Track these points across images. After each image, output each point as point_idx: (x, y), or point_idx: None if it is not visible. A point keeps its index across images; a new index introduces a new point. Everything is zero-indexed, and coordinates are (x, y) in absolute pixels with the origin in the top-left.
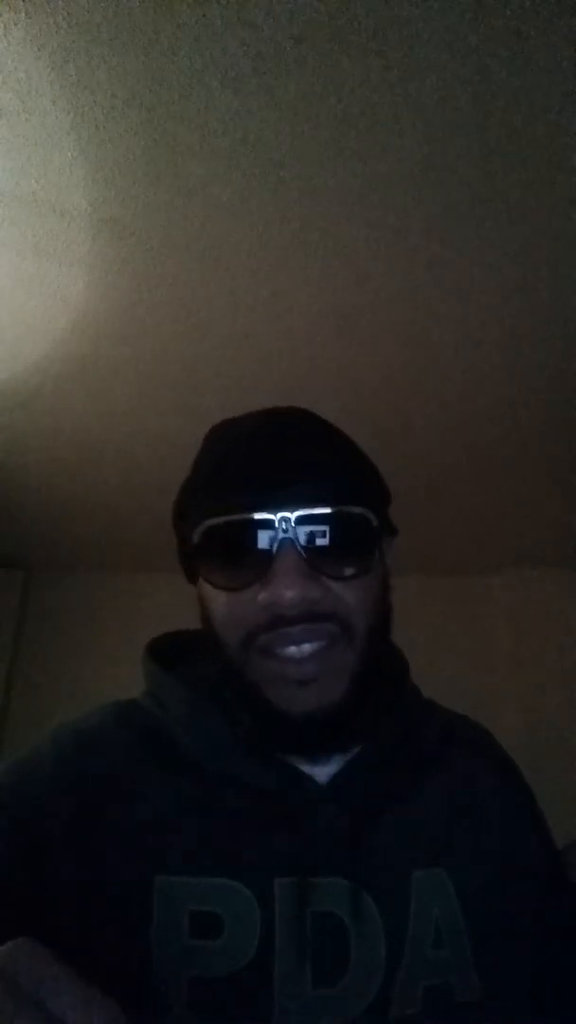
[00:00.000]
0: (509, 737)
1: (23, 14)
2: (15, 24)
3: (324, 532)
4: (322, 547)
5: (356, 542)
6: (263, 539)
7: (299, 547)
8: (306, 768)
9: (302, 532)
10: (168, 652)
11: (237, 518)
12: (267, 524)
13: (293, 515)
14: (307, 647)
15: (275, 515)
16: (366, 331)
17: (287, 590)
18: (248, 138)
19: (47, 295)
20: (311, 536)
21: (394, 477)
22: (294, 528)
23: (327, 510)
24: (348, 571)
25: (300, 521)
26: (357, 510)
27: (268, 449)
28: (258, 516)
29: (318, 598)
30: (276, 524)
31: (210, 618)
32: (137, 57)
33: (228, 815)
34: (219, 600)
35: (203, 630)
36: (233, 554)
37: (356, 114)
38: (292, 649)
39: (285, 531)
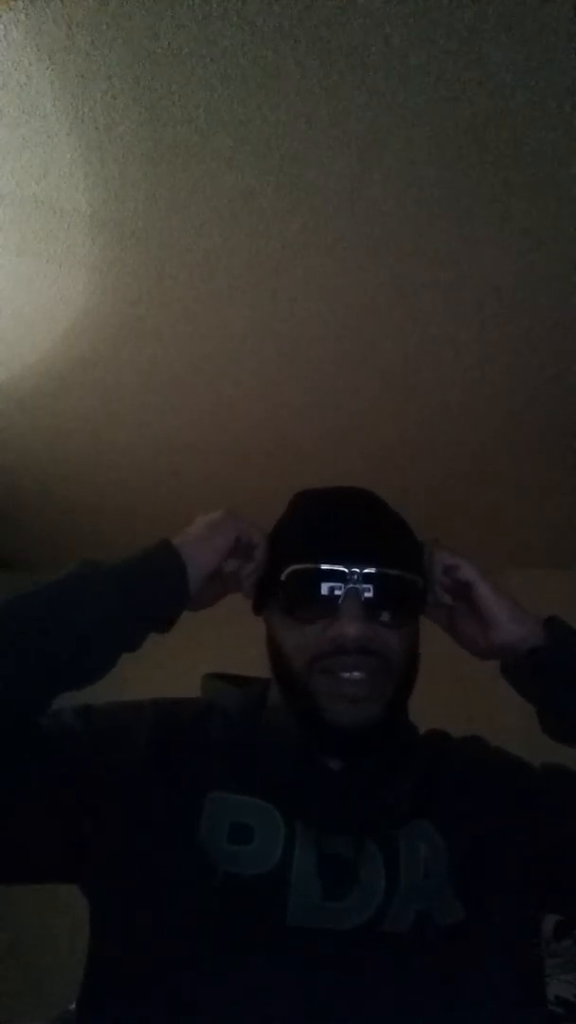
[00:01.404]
0: (509, 737)
1: (23, 14)
2: (15, 24)
3: (382, 588)
4: (378, 599)
5: (403, 599)
6: (336, 586)
7: (362, 596)
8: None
9: (366, 585)
10: (221, 678)
11: (320, 567)
12: (341, 575)
13: (362, 571)
14: (358, 673)
15: (348, 568)
16: (366, 331)
17: (350, 627)
18: (248, 138)
19: (47, 295)
20: (372, 589)
21: (394, 478)
22: (360, 580)
23: (386, 571)
24: (394, 621)
25: (365, 577)
26: (408, 575)
27: (347, 518)
28: (335, 567)
29: (372, 637)
30: (348, 576)
31: (280, 642)
32: (137, 57)
33: (270, 762)
34: (293, 628)
35: (270, 663)
36: (311, 593)
37: (356, 115)
38: (346, 673)
39: (354, 582)
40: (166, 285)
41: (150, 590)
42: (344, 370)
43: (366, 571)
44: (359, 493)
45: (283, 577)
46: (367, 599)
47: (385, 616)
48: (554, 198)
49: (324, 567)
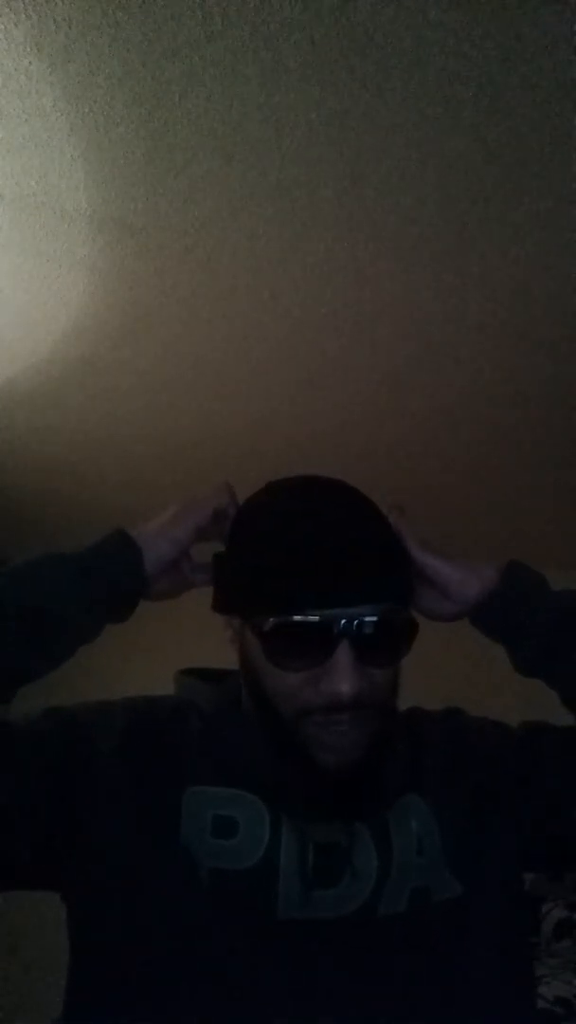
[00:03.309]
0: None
1: (23, 15)
2: (15, 25)
3: (376, 631)
4: (373, 643)
5: (400, 637)
6: (326, 635)
7: (355, 644)
8: None
9: (359, 631)
10: (194, 674)
11: (308, 620)
12: (332, 624)
13: (355, 620)
14: (350, 728)
15: (340, 618)
16: (366, 331)
17: (344, 684)
18: (248, 139)
19: (47, 296)
20: (365, 634)
21: (394, 479)
22: (358, 629)
23: (386, 616)
24: (388, 661)
25: (360, 624)
26: (405, 612)
27: (332, 549)
28: (325, 617)
29: (366, 690)
30: (342, 625)
31: (260, 679)
32: (137, 57)
33: (250, 756)
34: (275, 673)
35: (242, 674)
36: (297, 643)
37: (356, 115)
38: (339, 728)
39: (346, 631)
40: (166, 285)
41: (103, 576)
42: (344, 370)
43: (360, 618)
44: (341, 500)
45: (265, 629)
46: (359, 645)
47: (378, 659)
48: (554, 198)
49: (313, 619)
